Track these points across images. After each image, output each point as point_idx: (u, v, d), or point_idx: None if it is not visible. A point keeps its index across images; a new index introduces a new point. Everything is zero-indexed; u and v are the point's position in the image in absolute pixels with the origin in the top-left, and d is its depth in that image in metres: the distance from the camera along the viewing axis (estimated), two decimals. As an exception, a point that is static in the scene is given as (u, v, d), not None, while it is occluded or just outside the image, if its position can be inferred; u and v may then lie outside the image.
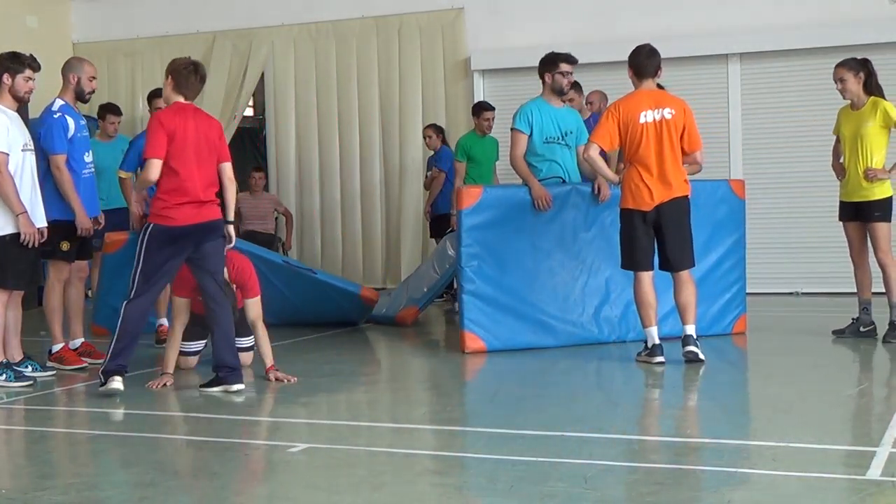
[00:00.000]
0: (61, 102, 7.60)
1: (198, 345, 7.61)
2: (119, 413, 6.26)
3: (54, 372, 7.53)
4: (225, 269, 7.15)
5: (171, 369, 7.01)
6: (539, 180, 8.02)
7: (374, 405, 6.66)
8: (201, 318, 7.28)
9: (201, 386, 6.76)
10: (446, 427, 5.87)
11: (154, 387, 6.84)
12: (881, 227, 8.09)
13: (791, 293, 11.62)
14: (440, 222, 11.40)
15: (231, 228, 6.97)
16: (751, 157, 11.86)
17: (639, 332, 7.82)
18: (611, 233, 8.18)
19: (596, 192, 8.13)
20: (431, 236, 12.12)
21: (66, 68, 7.69)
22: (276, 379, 6.99)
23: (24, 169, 7.05)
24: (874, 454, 4.78)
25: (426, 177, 11.96)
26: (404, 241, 12.95)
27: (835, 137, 8.41)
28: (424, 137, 11.91)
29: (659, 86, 7.77)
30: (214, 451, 5.33)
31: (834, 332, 8.37)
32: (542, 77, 8.18)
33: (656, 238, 7.41)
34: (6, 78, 7.08)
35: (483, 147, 10.71)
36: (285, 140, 13.60)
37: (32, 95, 7.24)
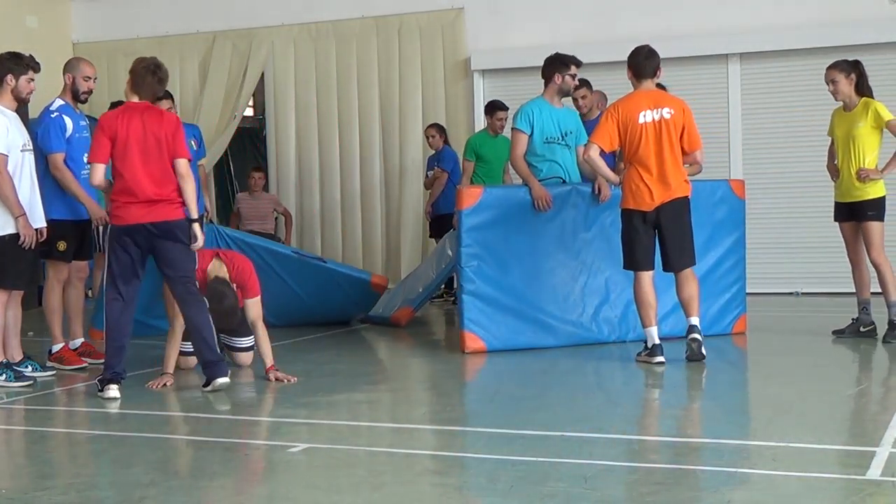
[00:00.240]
0: (60, 102, 7.61)
1: (198, 345, 7.61)
2: (119, 413, 6.26)
3: (54, 372, 7.53)
4: (224, 269, 7.16)
5: (171, 369, 7.01)
6: (539, 180, 8.02)
7: (374, 405, 6.66)
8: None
9: (203, 388, 6.76)
10: (446, 427, 5.87)
11: (154, 387, 6.85)
12: (874, 227, 8.10)
13: (791, 293, 11.62)
14: (441, 222, 11.39)
15: (196, 227, 6.76)
16: (751, 157, 11.85)
17: (639, 332, 7.82)
18: (611, 233, 8.18)
19: (596, 192, 8.13)
20: (431, 236, 12.12)
21: (65, 68, 7.71)
22: (276, 379, 7.00)
23: (24, 169, 7.06)
24: (874, 454, 4.78)
25: (426, 176, 11.96)
26: (404, 242, 12.95)
27: (830, 139, 8.43)
28: (427, 137, 11.90)
29: (660, 86, 7.78)
30: (214, 451, 5.33)
31: (834, 332, 8.37)
32: (547, 77, 8.16)
33: (657, 238, 7.42)
34: (10, 79, 7.09)
35: (494, 147, 10.69)
36: (285, 140, 13.59)
37: (32, 96, 7.25)
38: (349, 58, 13.19)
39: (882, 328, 8.18)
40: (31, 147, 7.20)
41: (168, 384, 6.89)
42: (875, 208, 8.10)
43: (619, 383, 7.22)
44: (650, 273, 7.41)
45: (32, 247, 7.03)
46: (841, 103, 8.25)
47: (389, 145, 13.08)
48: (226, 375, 6.72)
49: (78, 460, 5.37)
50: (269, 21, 13.46)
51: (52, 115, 7.51)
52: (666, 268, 7.50)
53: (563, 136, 8.13)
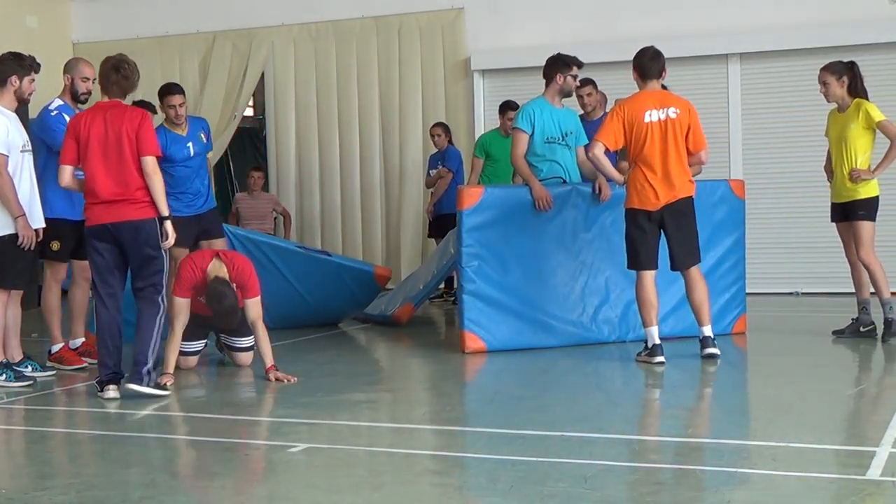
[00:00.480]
0: (59, 102, 7.61)
1: (198, 345, 7.61)
2: (119, 413, 6.26)
3: (54, 372, 7.52)
4: (224, 269, 7.15)
5: (171, 369, 7.00)
6: (540, 180, 8.03)
7: (374, 405, 6.66)
8: (201, 319, 7.29)
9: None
10: (446, 427, 5.87)
11: (154, 387, 6.85)
12: (864, 226, 8.12)
13: (791, 293, 11.62)
14: (442, 222, 11.36)
15: (168, 225, 6.56)
16: (751, 157, 11.85)
17: (639, 333, 7.82)
18: (611, 233, 8.19)
19: (596, 192, 8.13)
20: (430, 236, 12.11)
21: (65, 69, 7.72)
22: (276, 379, 6.99)
23: (23, 170, 7.06)
24: (874, 454, 4.78)
25: (428, 175, 11.92)
26: (404, 242, 12.95)
27: (827, 140, 8.46)
28: (432, 136, 11.85)
29: (662, 86, 7.78)
30: (214, 451, 5.33)
31: (834, 332, 8.38)
32: (549, 77, 8.17)
33: (661, 238, 7.44)
34: (14, 80, 7.10)
35: (504, 146, 10.65)
36: (285, 140, 13.60)
37: (32, 96, 7.27)
38: (349, 58, 13.19)
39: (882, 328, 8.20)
40: (31, 147, 7.21)
41: (168, 384, 6.88)
42: (865, 208, 8.12)
43: (619, 383, 7.22)
44: (653, 273, 7.43)
45: (31, 247, 7.03)
46: (835, 105, 8.28)
47: (389, 145, 13.08)
48: (136, 383, 6.41)
49: (78, 460, 5.37)
50: (269, 21, 13.46)
51: (53, 114, 7.52)
52: (673, 267, 7.53)
53: (563, 137, 8.14)
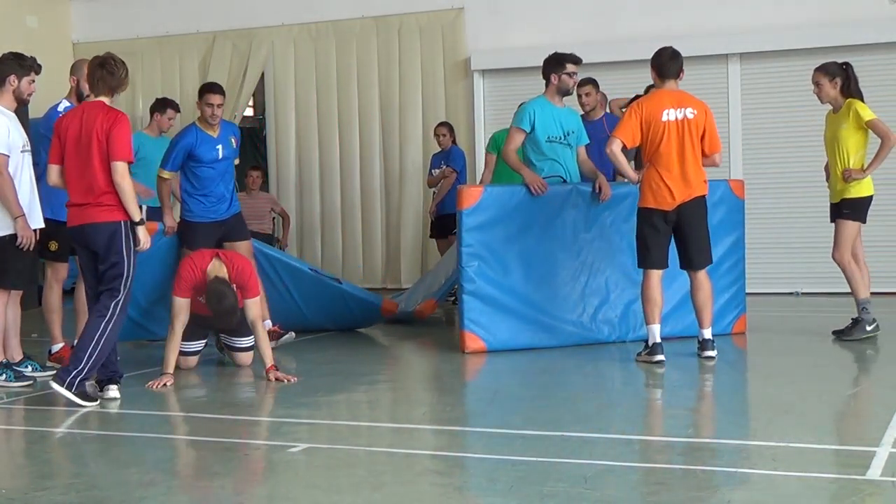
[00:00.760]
0: (66, 104, 7.62)
1: (198, 345, 7.61)
2: (119, 413, 6.26)
3: (54, 372, 7.50)
4: (224, 269, 7.16)
5: (171, 369, 7.01)
6: (540, 180, 8.05)
7: (374, 405, 6.66)
8: (201, 319, 7.29)
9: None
10: (446, 427, 5.87)
11: (154, 387, 6.85)
12: (846, 225, 8.14)
13: (791, 293, 11.62)
14: (444, 222, 11.36)
15: (140, 231, 6.40)
16: (751, 157, 11.86)
17: (639, 333, 7.83)
18: (611, 233, 8.20)
19: (597, 191, 8.13)
20: (431, 236, 12.10)
21: (71, 70, 7.76)
22: (276, 379, 6.99)
23: (23, 170, 7.06)
24: (874, 454, 4.78)
25: (430, 174, 11.91)
26: (404, 243, 12.95)
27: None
28: (437, 136, 11.82)
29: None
30: (214, 451, 5.33)
31: (834, 333, 8.38)
32: (546, 77, 8.18)
33: (675, 237, 7.45)
34: (12, 80, 7.10)
35: None
36: (285, 140, 13.60)
37: (31, 96, 7.27)
38: (349, 58, 13.20)
39: (884, 328, 8.20)
40: (31, 148, 7.21)
41: (168, 384, 6.89)
42: (850, 208, 8.14)
43: (619, 383, 7.22)
44: (661, 272, 7.45)
45: (30, 248, 7.03)
46: (829, 106, 8.31)
47: (389, 145, 13.08)
48: (58, 383, 6.26)
49: (78, 460, 5.37)
50: (269, 21, 13.47)
51: (60, 115, 7.51)
52: (683, 266, 7.54)
53: (564, 136, 8.14)
